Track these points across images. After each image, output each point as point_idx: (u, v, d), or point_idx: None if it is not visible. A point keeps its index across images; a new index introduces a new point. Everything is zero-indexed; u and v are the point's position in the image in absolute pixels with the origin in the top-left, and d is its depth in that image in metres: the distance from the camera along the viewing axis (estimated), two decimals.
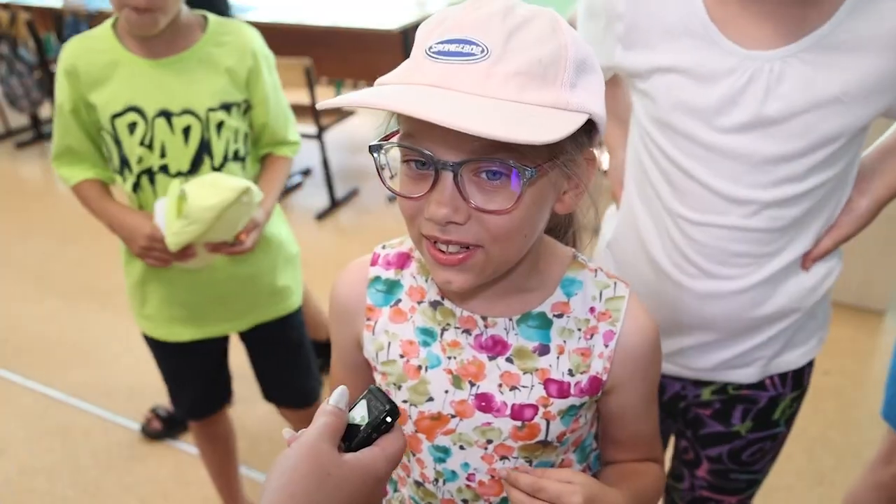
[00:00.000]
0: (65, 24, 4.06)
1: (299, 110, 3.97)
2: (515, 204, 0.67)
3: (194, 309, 1.59)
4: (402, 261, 0.88)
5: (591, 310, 0.83)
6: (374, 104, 0.64)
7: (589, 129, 0.71)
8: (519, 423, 0.82)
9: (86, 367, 2.68)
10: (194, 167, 1.46)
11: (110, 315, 2.95)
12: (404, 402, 0.85)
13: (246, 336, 1.72)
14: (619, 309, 0.83)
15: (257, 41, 1.53)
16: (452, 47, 0.65)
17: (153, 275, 1.56)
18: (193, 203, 1.34)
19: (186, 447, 2.29)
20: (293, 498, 0.57)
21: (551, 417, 0.82)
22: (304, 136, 4.55)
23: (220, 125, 1.46)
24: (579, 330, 0.82)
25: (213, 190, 1.36)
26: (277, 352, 1.75)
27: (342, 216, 3.87)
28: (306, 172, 4.31)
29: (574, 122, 0.65)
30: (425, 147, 0.66)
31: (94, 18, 4.05)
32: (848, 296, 2.72)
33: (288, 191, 4.13)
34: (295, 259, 1.72)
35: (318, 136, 3.78)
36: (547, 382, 0.81)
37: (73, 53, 1.43)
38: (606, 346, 0.82)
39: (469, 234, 0.69)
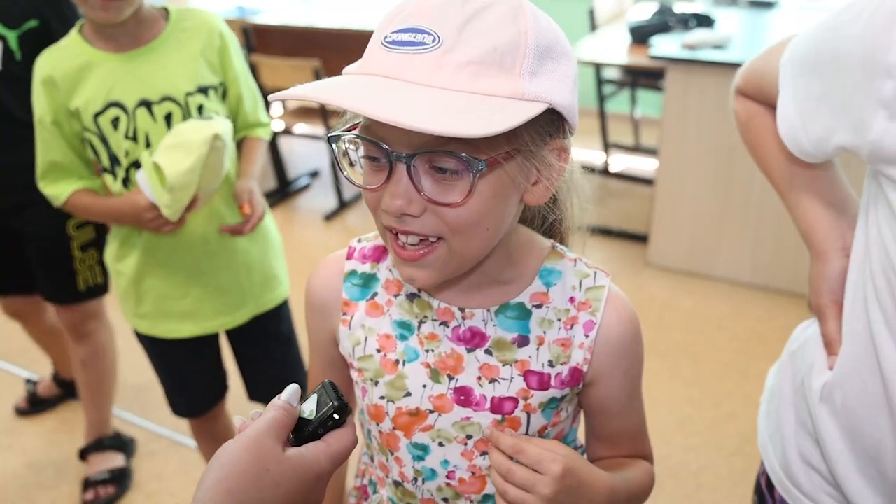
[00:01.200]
0: None
1: (308, 112, 4.01)
2: (467, 196, 0.65)
3: (192, 303, 1.60)
4: (378, 254, 0.87)
5: (571, 300, 0.81)
6: (316, 97, 0.63)
7: (557, 121, 0.69)
8: (499, 417, 0.80)
9: None
10: None
11: (115, 314, 2.96)
12: (381, 398, 0.83)
13: (237, 331, 1.71)
14: (600, 299, 0.81)
15: (220, 22, 1.56)
16: (406, 36, 0.63)
17: (149, 270, 1.57)
18: (171, 172, 1.34)
19: (193, 443, 2.30)
20: (230, 493, 0.56)
21: (532, 410, 0.81)
22: (313, 137, 4.59)
23: (200, 109, 1.48)
24: (559, 320, 0.81)
25: (183, 151, 1.36)
26: (268, 347, 1.75)
27: (350, 217, 3.88)
28: (314, 174, 4.33)
29: (525, 113, 0.62)
30: (380, 139, 0.65)
31: None
32: None
33: (296, 192, 4.15)
34: (280, 247, 1.74)
35: (327, 138, 3.80)
36: (527, 374, 0.80)
37: (47, 64, 1.44)
38: (587, 336, 0.80)
39: (426, 225, 0.67)
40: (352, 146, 0.71)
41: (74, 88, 1.43)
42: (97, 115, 1.44)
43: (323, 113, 3.70)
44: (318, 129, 3.67)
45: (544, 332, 0.80)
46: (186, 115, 1.46)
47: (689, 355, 2.69)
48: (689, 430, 2.32)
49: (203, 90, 1.49)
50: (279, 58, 3.58)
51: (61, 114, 1.45)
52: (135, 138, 1.46)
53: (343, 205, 3.92)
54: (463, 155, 0.63)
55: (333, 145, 0.70)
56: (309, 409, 0.65)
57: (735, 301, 3.03)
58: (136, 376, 2.61)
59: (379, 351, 0.84)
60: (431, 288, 0.80)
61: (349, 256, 0.88)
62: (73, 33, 1.47)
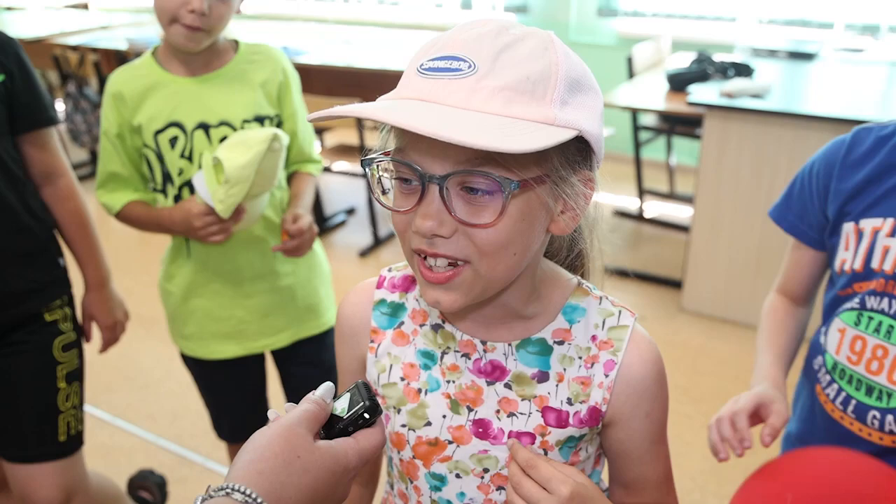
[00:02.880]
0: None
1: (347, 150, 4.09)
2: (499, 217, 0.66)
3: (236, 324, 1.65)
4: (407, 284, 0.88)
5: (593, 338, 0.81)
6: (357, 114, 0.65)
7: (585, 150, 0.71)
8: None
9: (130, 390, 2.74)
10: None
11: (155, 342, 3.03)
12: (403, 426, 0.84)
13: (281, 355, 1.76)
14: (622, 339, 0.80)
15: (285, 60, 1.64)
16: (442, 63, 0.66)
17: (195, 290, 1.63)
18: (230, 165, 1.40)
19: (224, 470, 2.32)
20: (261, 475, 0.59)
21: (549, 447, 0.80)
22: (351, 175, 4.67)
23: None
24: (580, 358, 0.80)
25: (243, 148, 1.42)
26: (308, 372, 1.78)
27: (384, 254, 3.92)
28: (350, 211, 4.40)
29: (558, 136, 0.64)
30: (413, 161, 0.67)
31: None
32: None
33: (332, 228, 4.21)
34: (328, 277, 1.78)
35: (365, 176, 3.86)
36: (545, 410, 0.80)
37: (119, 80, 1.54)
38: (606, 375, 0.80)
39: (456, 248, 0.68)
40: (385, 174, 0.73)
41: (140, 106, 1.51)
42: (157, 132, 1.51)
43: (361, 151, 3.78)
44: (355, 166, 3.75)
45: (564, 369, 0.80)
46: None
47: (724, 401, 2.63)
48: (723, 477, 2.28)
49: (259, 119, 1.56)
50: (321, 96, 3.68)
51: (125, 128, 1.53)
52: (190, 158, 1.53)
53: (378, 242, 3.97)
54: (496, 175, 0.65)
55: (367, 169, 0.72)
56: (341, 406, 0.67)
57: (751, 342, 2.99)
58: (172, 402, 2.65)
59: (403, 379, 0.84)
60: (456, 312, 0.80)
61: (379, 285, 0.89)
62: (147, 54, 1.56)
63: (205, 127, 1.52)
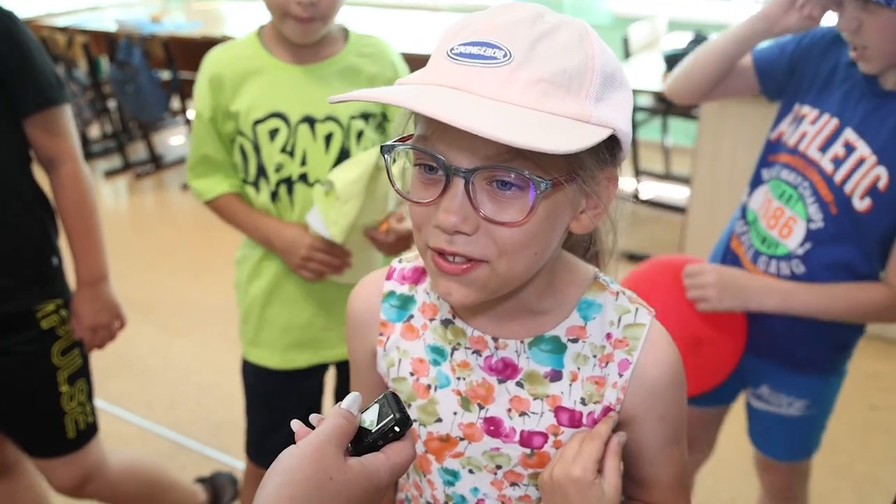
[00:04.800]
0: (118, 48, 4.20)
1: None
2: (527, 216, 0.63)
3: (316, 332, 1.54)
4: (417, 276, 0.85)
5: (608, 336, 0.78)
6: (384, 99, 0.61)
7: (612, 147, 0.68)
8: (528, 451, 0.79)
9: (127, 377, 2.73)
10: None
11: (151, 328, 3.01)
12: (414, 421, 0.82)
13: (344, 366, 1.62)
14: (638, 337, 0.77)
15: (396, 54, 1.52)
16: (474, 49, 0.62)
17: (279, 296, 1.52)
18: (339, 183, 1.32)
19: (224, 457, 2.32)
20: (292, 500, 0.55)
21: (562, 447, 0.78)
22: None
23: (359, 134, 1.44)
24: (594, 357, 0.77)
25: (353, 165, 1.35)
26: None
27: None
28: None
29: (596, 136, 0.61)
30: (438, 151, 0.63)
31: (148, 42, 4.18)
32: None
33: None
34: None
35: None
36: (558, 410, 0.78)
37: (218, 61, 1.43)
38: (621, 375, 0.77)
39: (477, 247, 0.65)
40: (401, 157, 0.69)
41: (238, 90, 1.40)
42: (257, 122, 1.40)
43: None
44: None
45: (578, 368, 0.77)
46: (346, 138, 1.42)
47: None
48: (720, 457, 2.29)
49: (364, 116, 1.44)
50: None
51: (219, 112, 1.42)
52: (291, 153, 1.41)
53: None
54: (527, 173, 0.62)
55: (386, 156, 0.68)
56: (370, 418, 0.64)
57: None
58: (169, 389, 2.64)
59: (412, 374, 0.83)
60: (467, 307, 0.78)
61: (389, 276, 0.87)
62: (251, 33, 1.45)
63: (310, 121, 1.40)
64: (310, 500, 0.56)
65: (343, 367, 1.63)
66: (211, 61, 1.43)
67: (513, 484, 0.81)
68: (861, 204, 1.23)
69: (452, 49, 0.63)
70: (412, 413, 0.83)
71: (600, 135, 0.62)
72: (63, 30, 4.47)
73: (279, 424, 1.55)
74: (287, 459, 0.58)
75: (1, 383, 1.47)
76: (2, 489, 1.67)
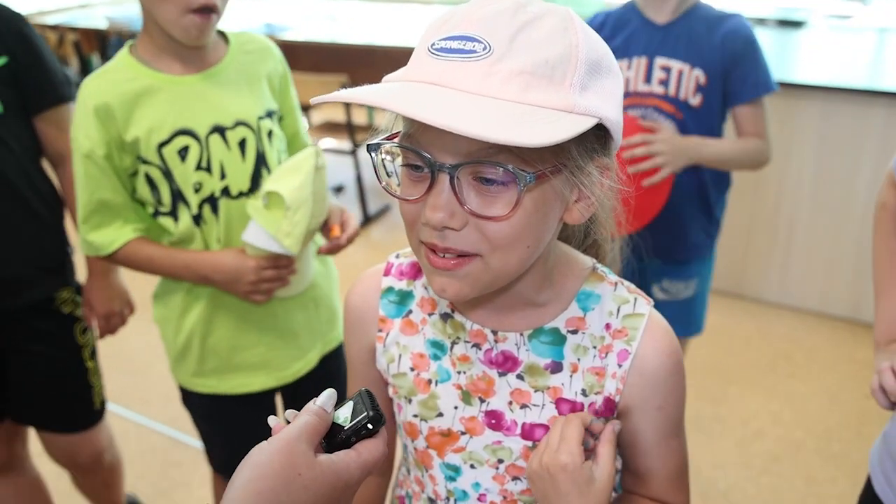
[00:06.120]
0: (109, 45, 4.19)
1: (335, 127, 4.05)
2: (513, 210, 0.63)
3: (265, 351, 1.46)
4: (415, 271, 0.85)
5: (607, 326, 0.77)
6: (365, 100, 0.60)
7: (603, 137, 0.67)
8: (530, 444, 0.79)
9: (123, 373, 2.73)
10: (254, 184, 1.35)
11: (146, 325, 2.99)
12: (415, 416, 0.82)
13: (306, 379, 1.54)
14: (637, 327, 0.77)
15: (276, 46, 1.47)
16: (455, 44, 0.61)
17: (218, 321, 1.42)
18: (287, 191, 1.25)
19: None
20: (259, 494, 0.56)
21: (545, 435, 0.77)
22: (339, 152, 4.64)
23: (269, 134, 1.38)
24: (594, 347, 0.77)
25: (291, 172, 1.29)
26: (336, 388, 1.63)
27: (374, 232, 3.91)
28: (339, 189, 4.37)
29: (579, 126, 0.60)
30: (423, 148, 0.63)
31: None
32: None
33: None
34: (338, 280, 1.63)
35: (353, 153, 3.83)
36: (559, 402, 0.77)
37: (99, 90, 1.26)
38: (620, 365, 0.77)
39: (467, 241, 0.65)
40: (388, 156, 0.68)
41: (131, 116, 1.27)
42: (162, 144, 1.27)
43: (349, 128, 3.74)
44: (343, 143, 3.71)
45: (578, 360, 0.77)
46: (259, 141, 1.34)
47: (716, 374, 2.67)
48: (717, 447, 2.31)
49: (269, 114, 1.38)
50: (307, 73, 3.64)
51: (114, 146, 1.27)
52: (208, 169, 1.30)
53: (367, 219, 3.95)
54: (511, 167, 0.61)
55: (372, 154, 0.68)
56: (343, 415, 0.64)
57: (761, 320, 3.00)
58: (165, 385, 2.64)
59: (412, 370, 0.82)
60: (462, 302, 0.77)
61: (386, 272, 0.87)
62: (123, 54, 1.31)
63: (220, 130, 1.30)
64: (277, 494, 0.57)
65: (288, 390, 1.55)
66: (90, 92, 1.26)
67: (515, 478, 0.81)
68: (695, 100, 1.63)
69: (433, 45, 0.63)
70: (413, 408, 0.82)
71: (584, 124, 0.61)
72: (54, 28, 4.46)
73: (237, 444, 1.46)
74: (257, 454, 0.59)
75: (35, 367, 1.59)
76: (4, 486, 1.72)
